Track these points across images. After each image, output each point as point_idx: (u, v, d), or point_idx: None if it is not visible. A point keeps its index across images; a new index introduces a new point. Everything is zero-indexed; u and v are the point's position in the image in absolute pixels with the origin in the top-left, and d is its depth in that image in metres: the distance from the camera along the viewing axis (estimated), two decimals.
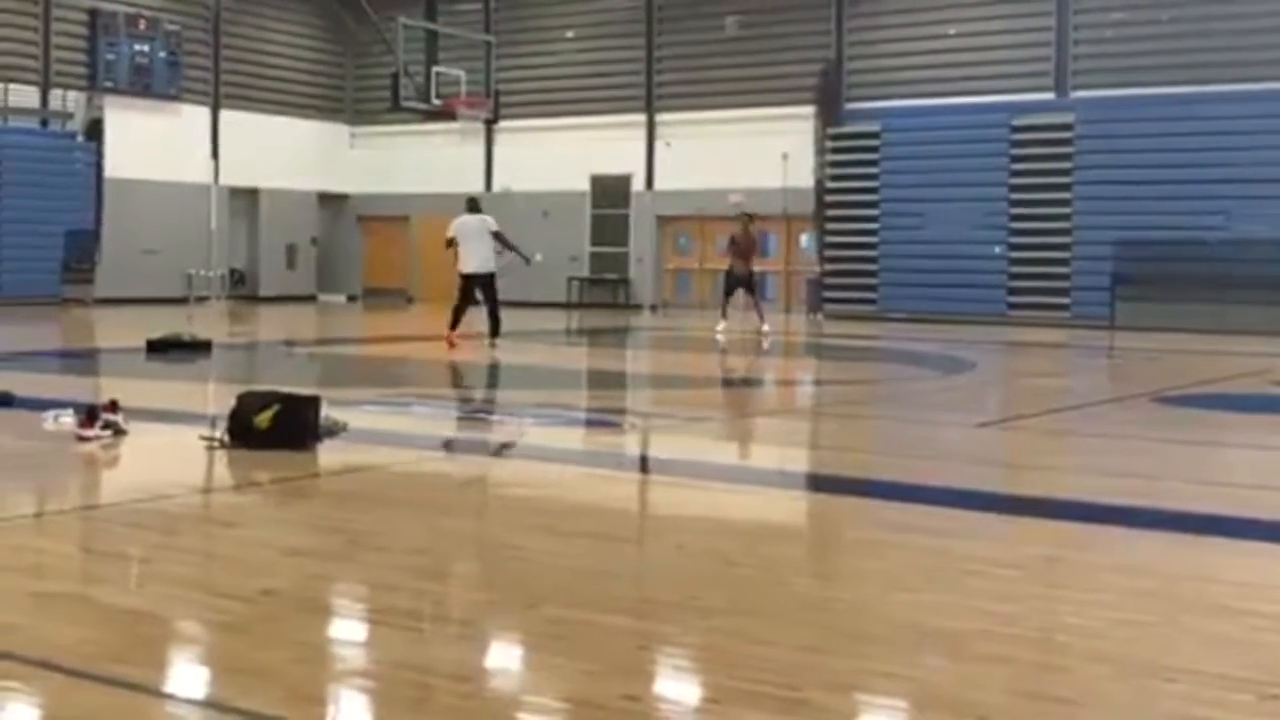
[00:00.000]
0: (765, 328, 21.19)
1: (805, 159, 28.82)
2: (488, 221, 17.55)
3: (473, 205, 18.05)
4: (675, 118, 30.95)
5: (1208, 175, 24.33)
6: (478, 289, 17.38)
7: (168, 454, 8.12)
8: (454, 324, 17.23)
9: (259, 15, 33.41)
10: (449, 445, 9.21)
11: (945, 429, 10.21)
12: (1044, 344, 20.90)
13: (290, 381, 10.67)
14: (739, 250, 21.95)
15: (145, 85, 30.46)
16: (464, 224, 17.57)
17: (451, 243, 17.52)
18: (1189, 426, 10.72)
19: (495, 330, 17.18)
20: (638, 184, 31.65)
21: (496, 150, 33.28)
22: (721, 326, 21.32)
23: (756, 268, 23.15)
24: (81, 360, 16.43)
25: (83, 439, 8.04)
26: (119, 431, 8.21)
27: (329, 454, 7.82)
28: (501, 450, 8.89)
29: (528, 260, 18.09)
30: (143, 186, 29.96)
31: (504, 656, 4.14)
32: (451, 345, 16.77)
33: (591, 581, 4.98)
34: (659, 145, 31.30)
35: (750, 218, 22.83)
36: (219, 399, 9.70)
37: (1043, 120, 26.45)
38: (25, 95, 28.90)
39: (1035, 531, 6.13)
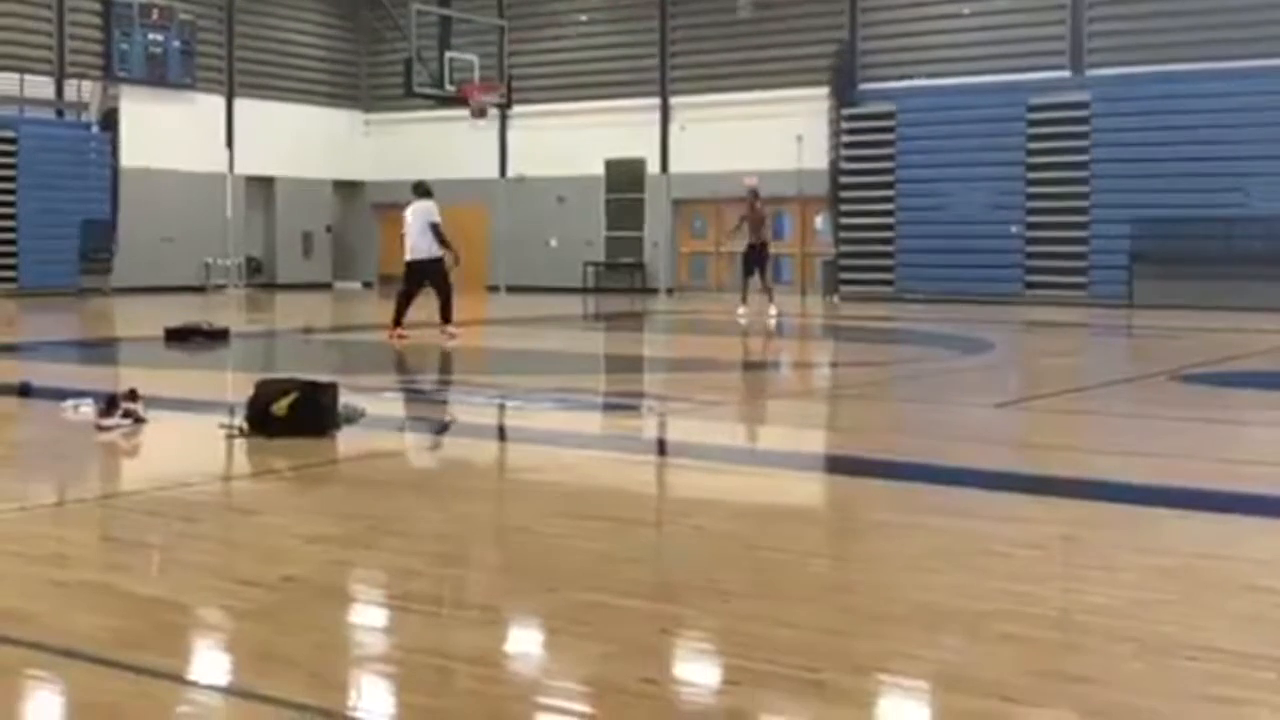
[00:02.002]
0: (772, 310, 21.11)
1: (820, 140, 28.75)
2: (426, 210, 16.47)
3: (418, 189, 16.90)
4: (689, 100, 30.90)
5: (1226, 152, 24.22)
6: (422, 278, 16.47)
7: (187, 442, 8.15)
8: (398, 318, 16.15)
9: (272, 3, 33.43)
10: (467, 431, 9.22)
11: (964, 409, 10.18)
12: (1062, 323, 20.84)
13: (308, 369, 10.70)
14: (750, 225, 22.12)
15: (160, 75, 30.52)
16: (408, 210, 16.71)
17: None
18: (1208, 404, 10.69)
19: (445, 318, 16.27)
20: (652, 168, 31.62)
21: (510, 136, 33.27)
22: (742, 310, 21.29)
23: (772, 251, 23.18)
24: (100, 349, 16.49)
25: (102, 428, 8.07)
26: (138, 420, 8.24)
27: (347, 441, 7.84)
28: (519, 435, 8.90)
29: (456, 260, 16.56)
30: (158, 176, 30.05)
31: (524, 640, 4.15)
32: (400, 338, 15.88)
33: (610, 565, 4.99)
34: (673, 129, 31.25)
35: (755, 195, 22.73)
36: (237, 387, 9.73)
37: (1059, 99, 26.33)
38: (40, 86, 28.99)
39: (1055, 511, 6.11)
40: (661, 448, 8.60)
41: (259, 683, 3.57)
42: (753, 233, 22.15)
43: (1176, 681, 3.62)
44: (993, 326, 19.56)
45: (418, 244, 16.49)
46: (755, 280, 22.30)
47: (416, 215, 16.57)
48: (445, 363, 14.65)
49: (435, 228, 16.42)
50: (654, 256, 31.70)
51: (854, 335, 19.62)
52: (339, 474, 7.22)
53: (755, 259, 22.18)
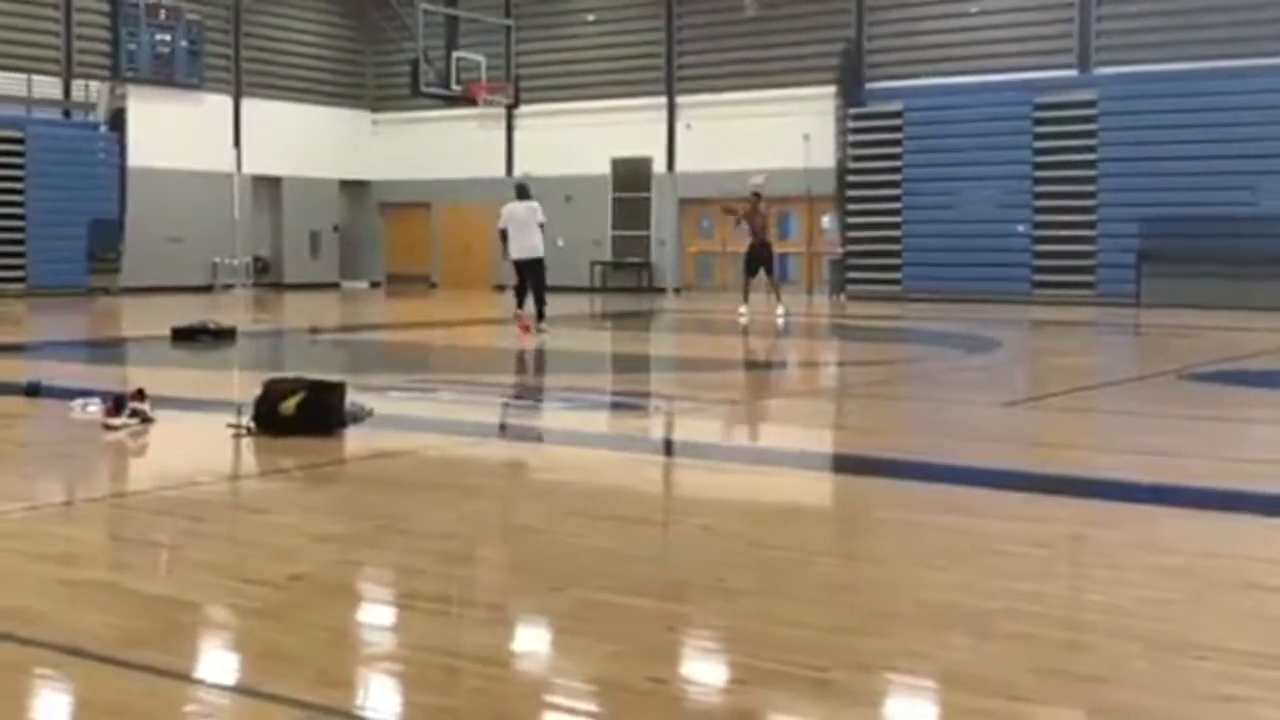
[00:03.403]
0: (780, 309, 21.16)
1: (827, 139, 28.74)
2: (535, 210, 17.59)
3: (521, 192, 18.07)
4: (696, 99, 30.89)
5: (1233, 151, 24.17)
6: (527, 274, 17.51)
7: (194, 442, 8.16)
8: (520, 304, 17.48)
9: (279, 2, 33.47)
10: (474, 430, 9.22)
11: (971, 408, 10.17)
12: (1069, 322, 20.82)
13: (315, 368, 10.71)
14: (750, 228, 22.17)
15: (167, 74, 30.57)
16: (512, 211, 17.67)
17: (504, 233, 17.61)
18: (1216, 403, 10.67)
19: (540, 314, 17.31)
20: (659, 167, 31.62)
21: (517, 135, 33.28)
22: (743, 310, 21.31)
23: (778, 250, 23.21)
24: (108, 349, 16.51)
25: (110, 427, 8.08)
26: (146, 420, 8.25)
27: (354, 440, 7.85)
28: (526, 434, 8.90)
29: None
30: (166, 175, 30.09)
31: (531, 639, 4.15)
32: (525, 328, 16.89)
33: (617, 564, 4.99)
34: (680, 127, 31.25)
35: (757, 196, 22.76)
36: (245, 386, 9.74)
37: (1066, 98, 26.30)
38: (48, 86, 29.05)
39: (1062, 510, 6.10)
40: (668, 447, 8.60)
41: (266, 681, 3.57)
42: (754, 233, 22.19)
43: (1183, 680, 3.62)
44: (1000, 325, 19.54)
45: (526, 242, 17.35)
46: (757, 280, 22.30)
47: (525, 215, 17.44)
48: (452, 362, 14.66)
49: (543, 228, 17.50)
50: (661, 256, 31.70)
51: (861, 334, 19.61)
52: (346, 473, 7.22)
53: (758, 258, 22.19)
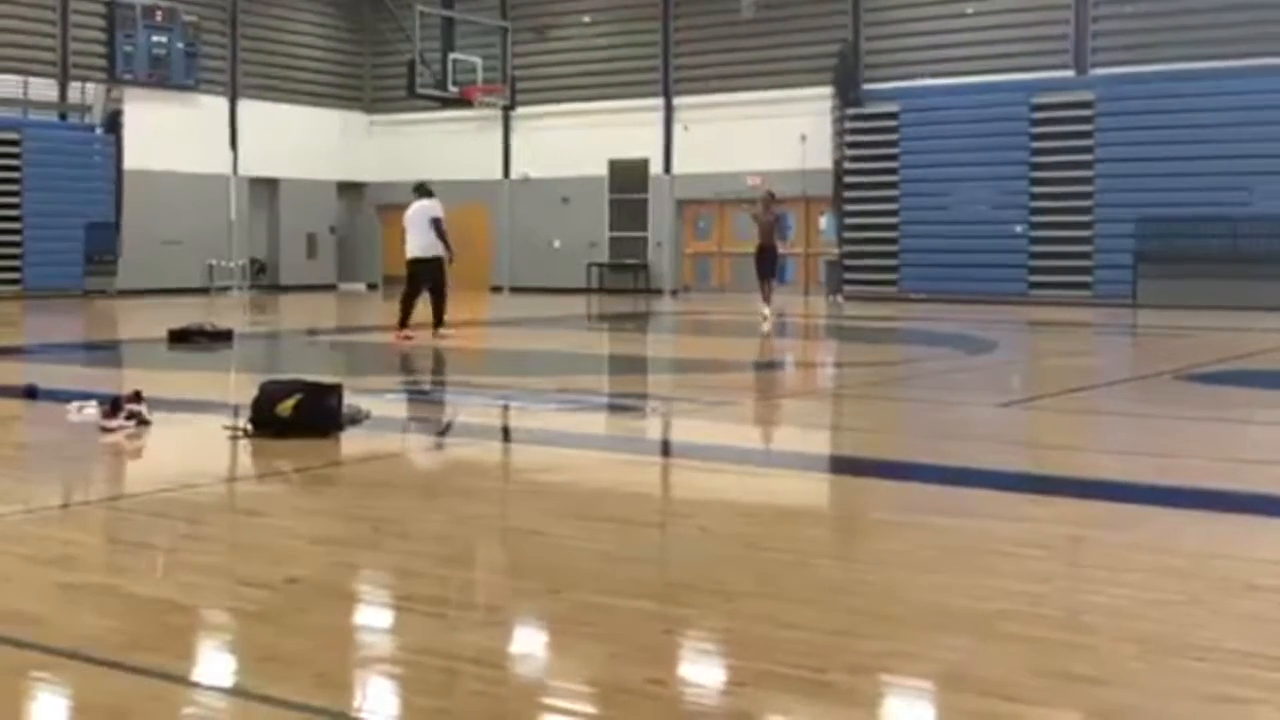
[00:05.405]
0: (765, 311, 20.78)
1: (824, 140, 28.75)
2: (427, 208, 16.64)
3: (418, 189, 17.11)
4: (693, 101, 30.90)
5: (1230, 151, 24.20)
6: (424, 276, 16.58)
7: (191, 444, 8.16)
8: (404, 318, 16.27)
9: (275, 4, 33.45)
10: (471, 432, 9.22)
11: (968, 409, 10.17)
12: (1066, 323, 20.83)
13: (312, 370, 10.70)
14: (760, 229, 21.97)
15: (163, 76, 30.55)
16: (410, 210, 16.85)
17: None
18: (1213, 404, 10.67)
19: (437, 320, 16.40)
20: (656, 168, 31.62)
21: (514, 137, 33.28)
22: (766, 312, 20.90)
23: (780, 252, 23.01)
24: (104, 351, 16.50)
25: (107, 430, 8.07)
26: (143, 422, 8.24)
27: (351, 442, 7.84)
28: (523, 436, 8.90)
29: (451, 259, 16.69)
30: (162, 178, 30.08)
31: (528, 641, 4.15)
32: (406, 339, 15.90)
33: (615, 565, 4.98)
34: (677, 129, 31.25)
35: (771, 195, 22.59)
36: (241, 388, 9.73)
37: (1063, 98, 26.33)
38: (44, 88, 29.03)
39: (1060, 511, 6.10)
40: (665, 448, 8.60)
41: (264, 684, 3.57)
42: (762, 235, 21.99)
43: (1182, 681, 3.62)
44: (997, 326, 19.55)
45: (418, 242, 16.61)
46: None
47: (417, 214, 16.72)
48: (449, 364, 14.65)
49: (437, 223, 16.53)
50: (658, 257, 31.70)
51: (858, 335, 19.61)
52: (343, 475, 7.22)
53: (760, 260, 21.96)
